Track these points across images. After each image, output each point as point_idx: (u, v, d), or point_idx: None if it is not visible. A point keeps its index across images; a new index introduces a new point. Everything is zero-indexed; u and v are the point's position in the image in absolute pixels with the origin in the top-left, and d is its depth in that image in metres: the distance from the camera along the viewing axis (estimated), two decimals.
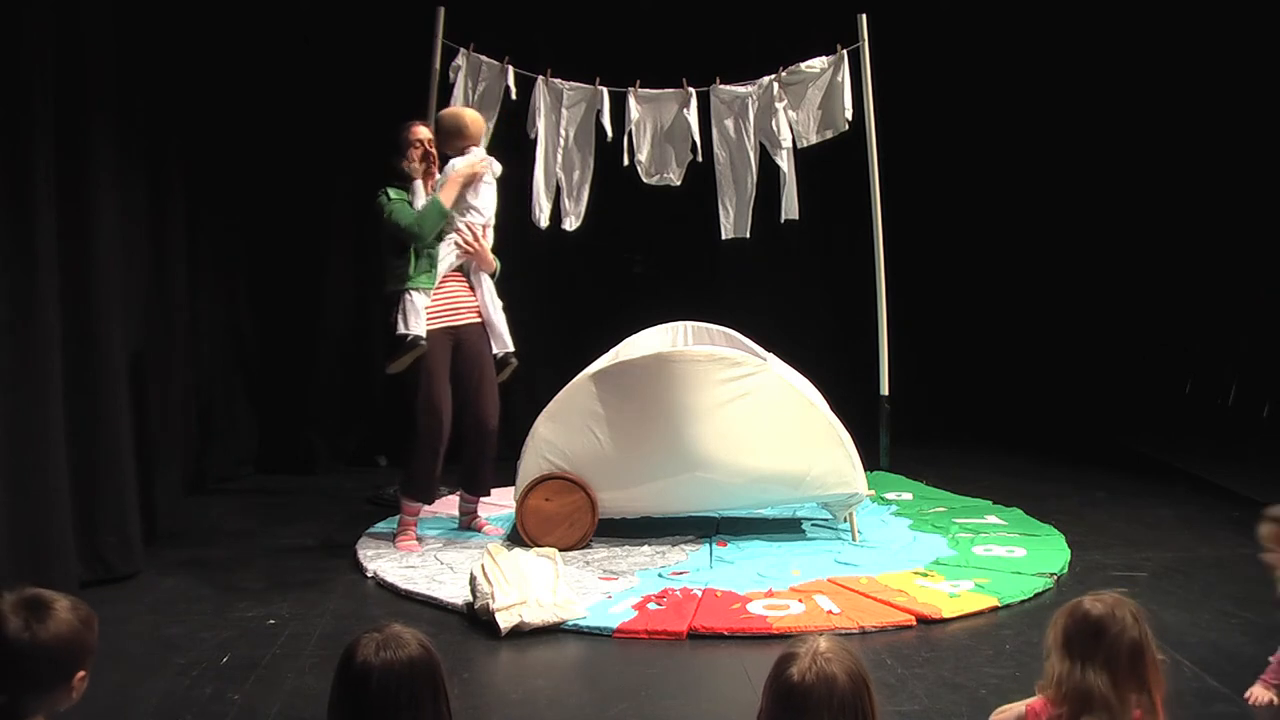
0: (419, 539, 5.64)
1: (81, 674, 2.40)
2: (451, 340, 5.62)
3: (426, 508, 5.79)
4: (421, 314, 5.49)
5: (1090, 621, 2.54)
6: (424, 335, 5.46)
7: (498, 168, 5.82)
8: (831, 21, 6.97)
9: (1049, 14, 8.05)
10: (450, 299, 5.64)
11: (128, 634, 4.46)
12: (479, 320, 5.71)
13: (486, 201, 5.75)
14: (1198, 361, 8.32)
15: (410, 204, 5.60)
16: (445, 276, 5.63)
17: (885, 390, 7.06)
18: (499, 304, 5.78)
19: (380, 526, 5.95)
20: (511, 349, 5.74)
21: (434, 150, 5.74)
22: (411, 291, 5.49)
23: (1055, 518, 5.96)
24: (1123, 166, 8.27)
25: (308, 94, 7.31)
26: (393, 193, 5.60)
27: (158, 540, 5.69)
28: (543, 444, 5.52)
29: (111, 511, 5.10)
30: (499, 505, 6.15)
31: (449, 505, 6.13)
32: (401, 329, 5.47)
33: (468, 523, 5.92)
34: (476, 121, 5.83)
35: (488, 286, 5.76)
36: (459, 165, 5.64)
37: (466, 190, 5.65)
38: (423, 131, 5.79)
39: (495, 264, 5.79)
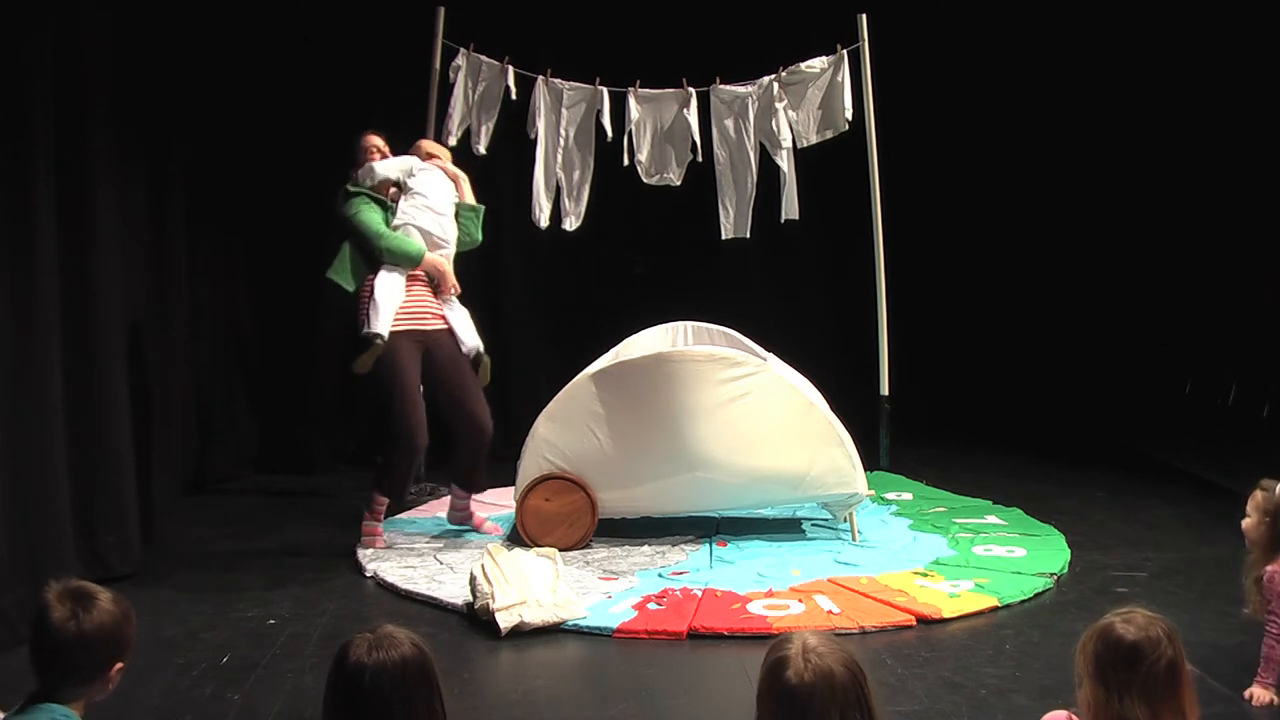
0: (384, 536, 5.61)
1: (119, 665, 2.46)
2: (420, 346, 5.59)
3: (421, 508, 5.79)
4: (383, 311, 5.45)
5: (1124, 648, 2.40)
6: (384, 334, 5.42)
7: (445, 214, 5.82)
8: (831, 21, 6.97)
9: (1049, 13, 8.05)
10: (415, 303, 5.60)
11: None
12: (446, 326, 5.70)
13: (435, 191, 5.75)
14: (1198, 361, 8.32)
15: (378, 207, 5.65)
16: (410, 281, 5.60)
17: (885, 390, 7.07)
18: (461, 308, 5.79)
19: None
20: (479, 346, 5.71)
21: (388, 154, 5.83)
22: (378, 282, 5.49)
23: (1055, 518, 5.96)
24: (1123, 166, 8.27)
25: (308, 94, 7.31)
26: (357, 192, 5.67)
27: (157, 540, 5.69)
28: (543, 444, 5.52)
29: (111, 511, 5.09)
30: (499, 505, 6.15)
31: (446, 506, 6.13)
32: (364, 326, 5.48)
33: (461, 519, 5.87)
34: (429, 144, 6.10)
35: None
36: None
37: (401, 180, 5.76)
38: (375, 139, 5.86)
39: (457, 288, 5.78)
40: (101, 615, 2.42)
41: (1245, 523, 3.82)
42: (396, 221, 5.65)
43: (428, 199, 5.73)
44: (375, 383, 5.57)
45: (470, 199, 5.95)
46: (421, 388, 5.64)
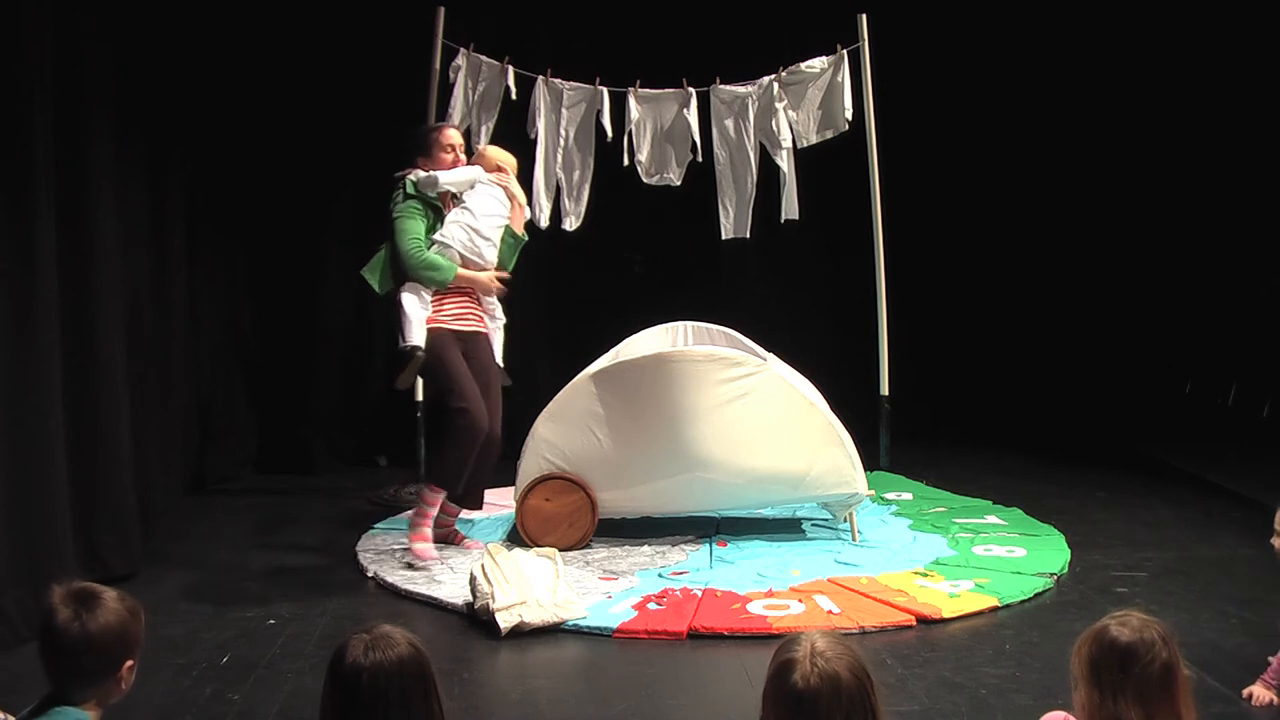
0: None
1: (129, 664, 2.46)
2: (460, 344, 5.45)
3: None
4: (415, 324, 5.34)
5: (1118, 649, 2.37)
6: (421, 345, 5.30)
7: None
8: (831, 21, 6.97)
9: (1049, 14, 8.05)
10: (456, 305, 5.47)
11: None
12: (484, 331, 5.59)
13: (486, 212, 5.55)
14: (1198, 361, 8.32)
15: (428, 214, 5.46)
16: (451, 287, 5.47)
17: (885, 390, 7.07)
18: (500, 317, 5.67)
19: (380, 526, 5.96)
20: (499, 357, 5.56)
21: (464, 159, 5.65)
22: (404, 297, 5.37)
23: (1055, 518, 5.96)
24: (1123, 166, 8.27)
25: (308, 95, 7.31)
26: (413, 196, 5.43)
27: (157, 540, 5.69)
28: (543, 444, 5.52)
29: (110, 512, 5.09)
30: (499, 505, 6.14)
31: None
32: (400, 341, 5.36)
33: (444, 535, 5.63)
34: (498, 153, 5.84)
35: (491, 300, 5.63)
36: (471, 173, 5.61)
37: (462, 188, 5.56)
38: (455, 136, 5.67)
39: (500, 287, 5.65)
40: (106, 615, 2.42)
41: (1278, 543, 3.72)
42: (437, 236, 5.43)
43: (475, 219, 5.50)
44: (430, 377, 5.50)
45: (519, 227, 5.74)
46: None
